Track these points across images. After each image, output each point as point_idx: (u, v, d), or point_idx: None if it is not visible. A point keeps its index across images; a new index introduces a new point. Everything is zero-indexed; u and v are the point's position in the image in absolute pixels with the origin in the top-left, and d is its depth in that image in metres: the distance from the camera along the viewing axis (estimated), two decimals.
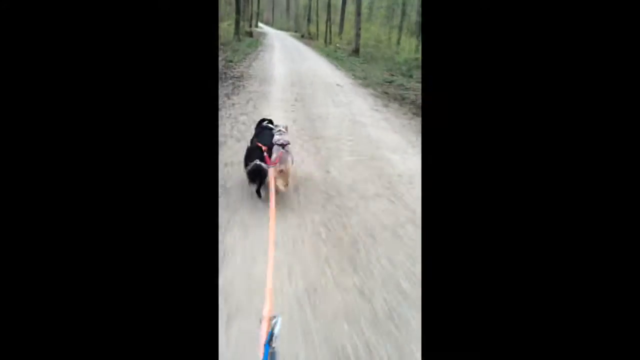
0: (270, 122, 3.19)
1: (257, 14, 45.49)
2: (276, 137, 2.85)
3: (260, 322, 1.12)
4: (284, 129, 3.05)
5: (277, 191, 2.43)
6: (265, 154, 2.62)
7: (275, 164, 2.58)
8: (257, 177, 2.57)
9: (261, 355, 0.98)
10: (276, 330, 1.06)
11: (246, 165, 2.62)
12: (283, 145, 2.75)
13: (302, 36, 32.77)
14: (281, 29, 47.45)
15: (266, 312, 1.15)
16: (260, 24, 55.77)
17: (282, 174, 2.63)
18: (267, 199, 2.40)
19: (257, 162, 2.53)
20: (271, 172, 2.51)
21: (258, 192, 2.68)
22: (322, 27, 28.52)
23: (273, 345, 1.02)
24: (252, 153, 2.65)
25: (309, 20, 32.14)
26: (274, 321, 1.10)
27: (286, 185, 2.71)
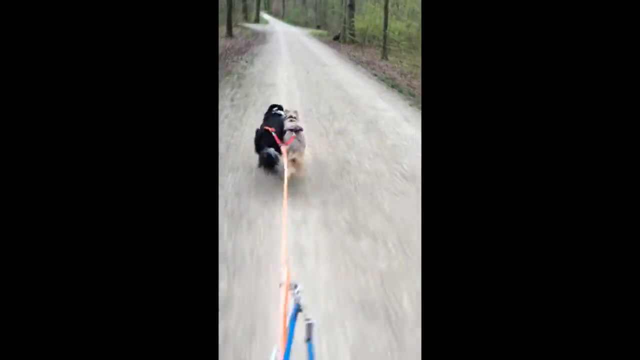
0: (280, 107, 3.21)
1: (258, 3, 30.15)
2: (288, 124, 2.86)
3: (280, 287, 1.08)
4: (294, 115, 3.02)
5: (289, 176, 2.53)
6: (274, 135, 2.69)
7: (288, 143, 2.67)
8: (270, 164, 2.66)
9: (284, 326, 0.91)
10: (301, 302, 1.03)
11: (257, 150, 2.72)
12: (296, 131, 2.75)
13: (337, 38, 17.22)
14: (295, 23, 31.87)
15: (285, 277, 1.11)
16: (265, 16, 40.60)
17: (295, 162, 2.65)
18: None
19: (270, 150, 2.59)
20: (284, 150, 2.60)
21: (266, 168, 2.77)
22: (396, 23, 12.88)
23: (307, 318, 0.95)
24: (262, 138, 2.69)
25: (351, 5, 16.45)
26: (296, 291, 1.05)
27: (298, 169, 2.72)
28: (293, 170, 2.64)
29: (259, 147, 2.71)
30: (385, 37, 12.21)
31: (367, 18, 15.27)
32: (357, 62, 10.54)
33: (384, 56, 12.11)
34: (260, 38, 15.14)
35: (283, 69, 8.09)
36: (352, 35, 16.31)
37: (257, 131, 2.82)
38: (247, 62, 8.34)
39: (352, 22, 16.24)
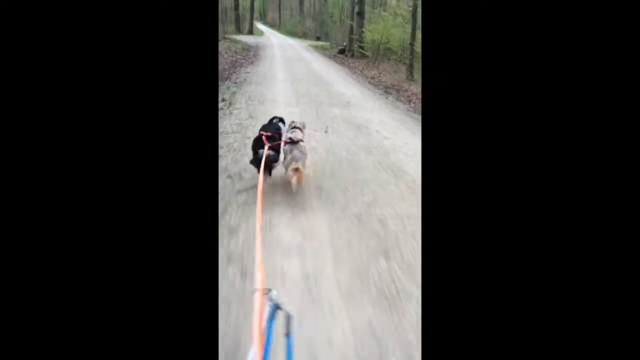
0: (281, 119, 3.03)
1: (252, 13, 27.73)
2: (288, 135, 2.72)
3: (254, 294, 1.06)
4: (299, 126, 2.87)
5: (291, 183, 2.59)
6: (264, 138, 2.60)
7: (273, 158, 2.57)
8: (259, 164, 2.48)
9: (260, 329, 0.89)
10: (278, 301, 1.05)
11: (254, 154, 2.65)
12: (294, 142, 2.62)
13: (342, 52, 14.61)
14: (293, 34, 29.39)
15: (259, 283, 1.10)
16: (261, 26, 38.31)
17: (297, 172, 2.51)
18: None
19: (260, 152, 2.50)
20: (265, 153, 2.48)
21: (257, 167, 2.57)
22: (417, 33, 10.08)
23: (283, 310, 1.00)
24: (256, 144, 2.63)
25: (360, 13, 13.70)
26: (272, 294, 1.06)
27: (300, 181, 2.59)
28: (295, 180, 2.53)
29: (254, 151, 2.61)
30: (412, 51, 9.46)
31: (381, 27, 12.60)
32: (383, 88, 7.77)
33: (411, 76, 9.39)
34: (251, 54, 12.41)
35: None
36: (362, 48, 13.64)
37: (254, 139, 2.73)
38: (224, 100, 5.31)
39: (362, 32, 13.57)
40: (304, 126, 2.93)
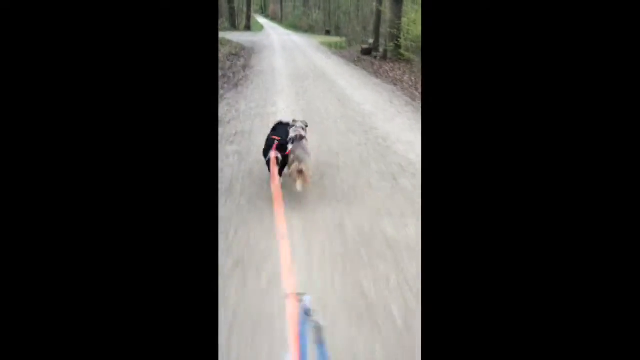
0: (287, 124, 3.02)
1: (249, 4, 23.53)
2: (291, 133, 2.76)
3: (286, 299, 1.06)
4: (301, 125, 2.87)
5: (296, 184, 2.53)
6: (275, 142, 2.63)
7: (287, 153, 2.59)
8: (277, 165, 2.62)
9: (295, 334, 0.94)
10: (309, 305, 1.05)
11: (264, 155, 2.70)
12: (295, 140, 2.61)
13: (368, 52, 10.56)
14: (297, 28, 25.23)
15: (289, 287, 1.09)
16: (261, 20, 34.21)
17: (301, 174, 2.46)
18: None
19: (274, 154, 2.58)
20: (272, 156, 2.50)
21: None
22: None
23: (313, 318, 0.98)
24: (268, 146, 2.70)
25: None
26: (303, 298, 1.07)
27: (306, 182, 2.53)
28: (300, 181, 2.48)
29: (265, 153, 2.68)
30: None
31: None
32: None
33: None
34: (239, 66, 8.41)
35: None
36: (398, 46, 9.52)
37: (266, 140, 2.79)
38: None
39: (399, 25, 9.44)
40: (306, 126, 2.88)
